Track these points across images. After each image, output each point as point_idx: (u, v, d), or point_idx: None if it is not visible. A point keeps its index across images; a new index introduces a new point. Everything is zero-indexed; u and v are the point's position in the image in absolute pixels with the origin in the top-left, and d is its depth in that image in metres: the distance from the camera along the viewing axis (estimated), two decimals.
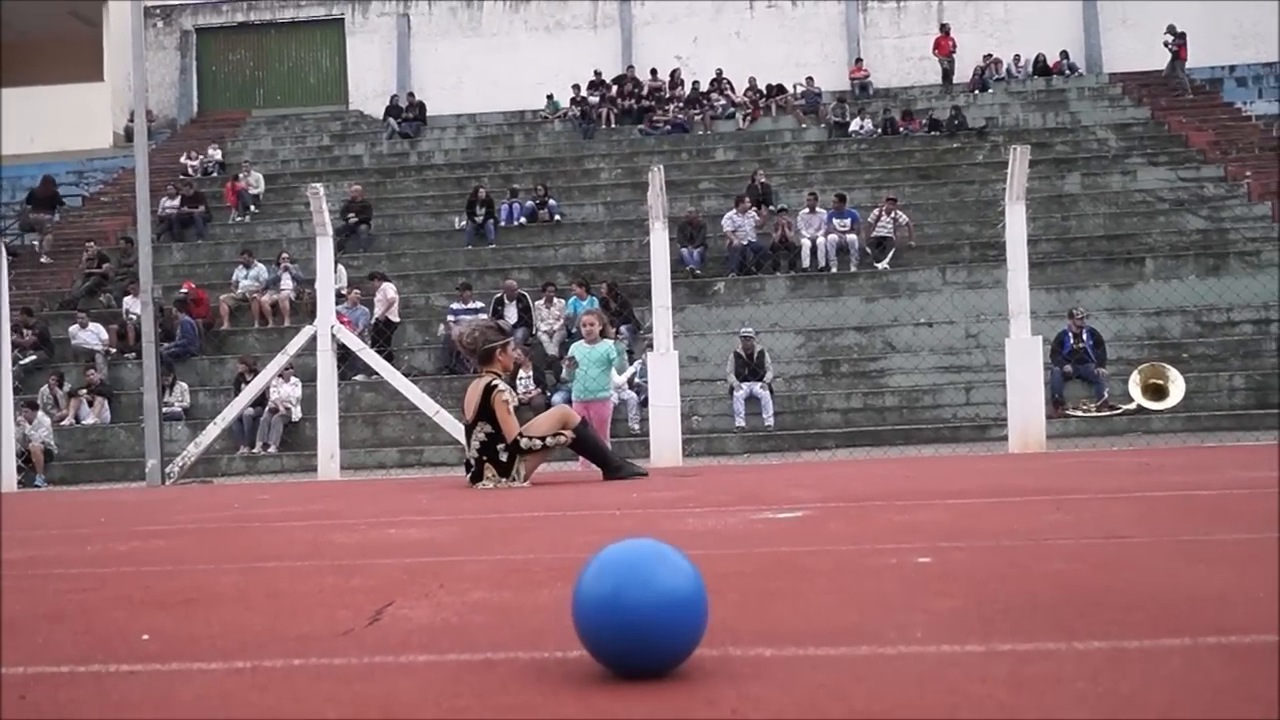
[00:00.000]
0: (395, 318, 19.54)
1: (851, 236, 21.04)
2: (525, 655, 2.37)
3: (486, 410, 7.88)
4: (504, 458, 7.86)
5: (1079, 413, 16.63)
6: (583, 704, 1.98)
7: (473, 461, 8.01)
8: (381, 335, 18.07)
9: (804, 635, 2.50)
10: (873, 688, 2.03)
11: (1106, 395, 16.78)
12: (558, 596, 3.16)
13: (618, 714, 1.91)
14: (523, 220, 23.77)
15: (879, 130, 27.13)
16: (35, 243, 25.73)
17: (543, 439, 7.95)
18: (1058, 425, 15.30)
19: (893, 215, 21.05)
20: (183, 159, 28.23)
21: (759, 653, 2.35)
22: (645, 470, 8.90)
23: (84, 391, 18.77)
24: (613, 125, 29.32)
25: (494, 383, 7.94)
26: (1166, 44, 28.60)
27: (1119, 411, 16.53)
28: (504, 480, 7.85)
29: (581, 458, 9.35)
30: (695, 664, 2.26)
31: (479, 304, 19.46)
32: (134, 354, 18.49)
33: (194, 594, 3.52)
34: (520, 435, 7.89)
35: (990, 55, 30.54)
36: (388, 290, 19.53)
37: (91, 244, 23.48)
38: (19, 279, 21.71)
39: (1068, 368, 16.96)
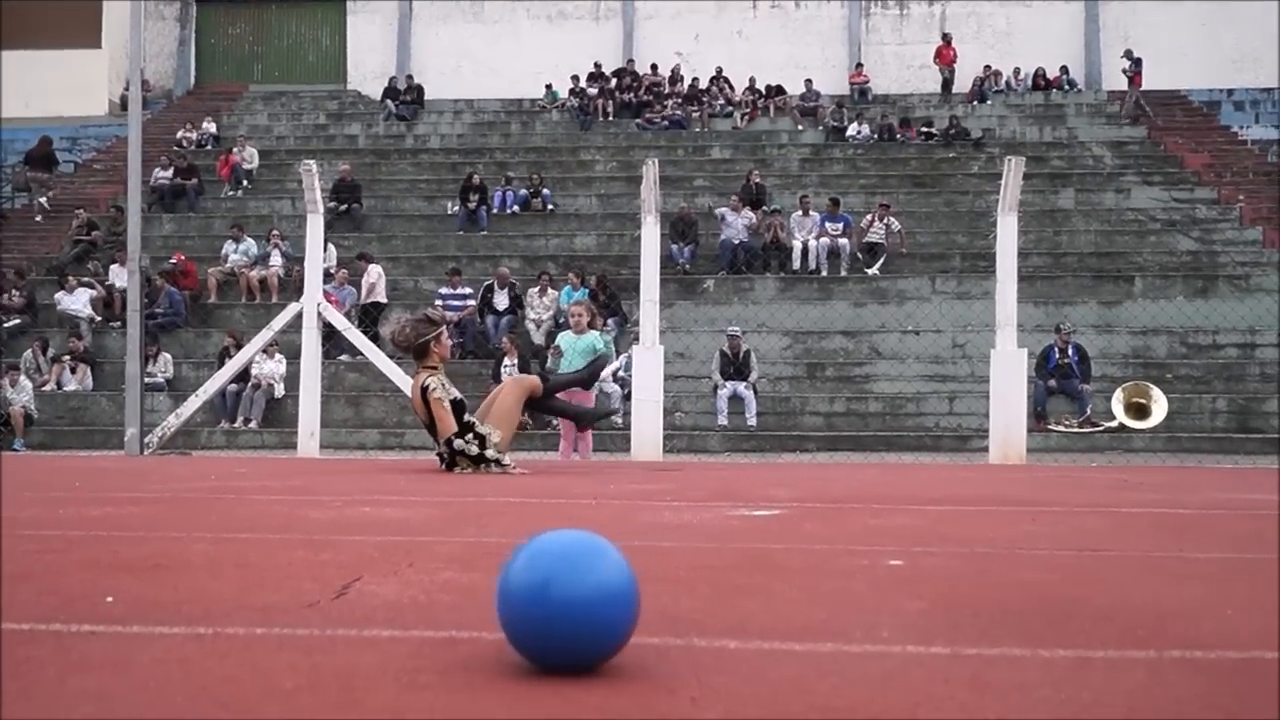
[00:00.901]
0: (383, 299, 19.48)
1: (843, 241, 21.05)
2: (490, 636, 2.35)
3: (430, 411, 7.82)
4: (473, 450, 7.80)
5: (1061, 428, 16.67)
6: (543, 685, 1.97)
7: (444, 455, 7.97)
8: (368, 316, 18.02)
9: (770, 630, 2.49)
10: (836, 684, 2.02)
11: (1089, 411, 16.81)
12: None
13: (577, 697, 1.90)
14: (516, 208, 23.74)
15: (876, 136, 27.14)
16: (33, 201, 25.70)
17: (480, 449, 7.80)
18: (1039, 439, 15.33)
19: (885, 221, 21.06)
20: (179, 132, 28.12)
21: (724, 645, 2.34)
22: (617, 408, 8.90)
23: (67, 358, 18.69)
24: (610, 118, 29.28)
25: (426, 382, 7.84)
26: (1124, 69, 28.73)
27: (1101, 428, 16.56)
28: (477, 466, 7.80)
29: (561, 423, 9.44)
30: (658, 653, 2.25)
31: (468, 289, 19.43)
32: (119, 322, 18.42)
33: (162, 560, 3.51)
34: (455, 436, 7.75)
35: (990, 67, 30.58)
36: (373, 272, 19.47)
37: (82, 211, 23.38)
38: (6, 241, 21.66)
39: (1052, 382, 16.98)
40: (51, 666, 2.10)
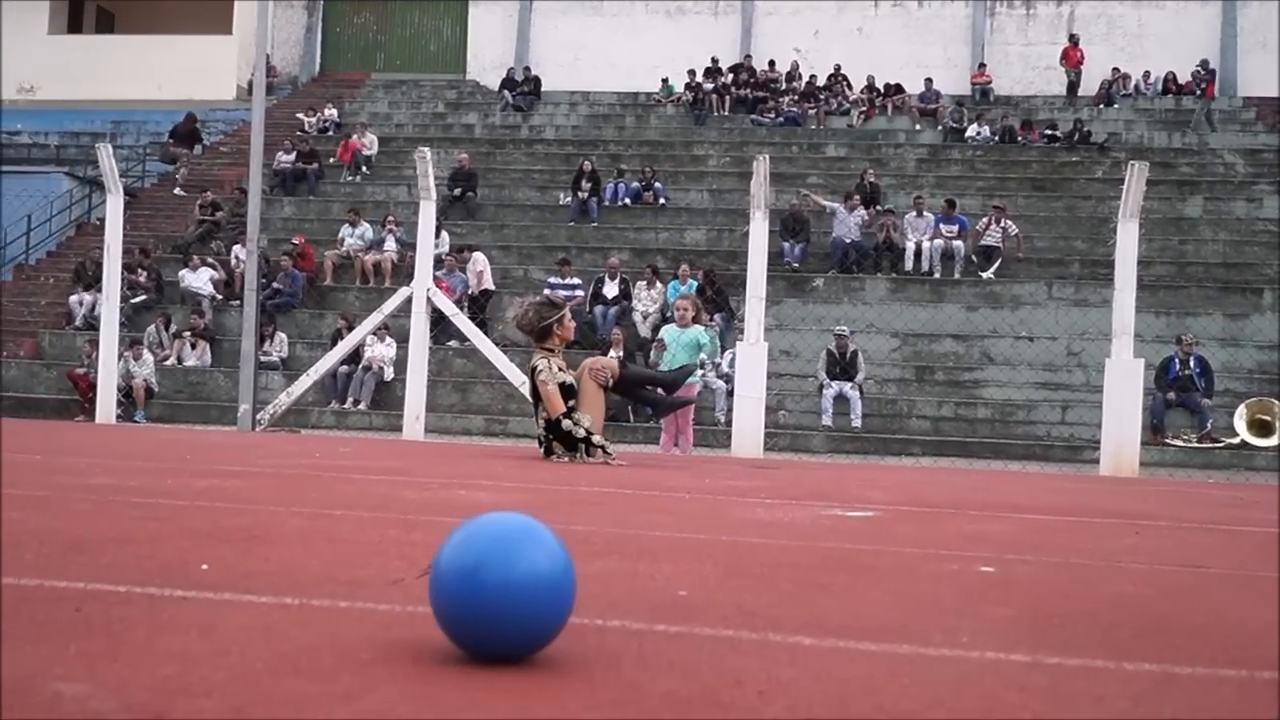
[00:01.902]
0: (491, 286, 19.67)
1: (958, 243, 20.78)
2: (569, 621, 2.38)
3: (538, 392, 7.92)
4: (580, 433, 7.88)
5: (1179, 442, 16.27)
6: (609, 671, 1.99)
7: (542, 439, 8.08)
8: (476, 304, 18.22)
9: (847, 629, 2.48)
10: (906, 685, 2.01)
11: (1209, 427, 16.39)
12: (610, 569, 3.18)
13: (643, 685, 1.92)
14: (627, 201, 23.82)
15: (996, 138, 26.72)
16: (175, 174, 26.51)
17: (587, 431, 7.87)
18: (1155, 453, 15.01)
19: (1002, 225, 20.74)
20: (301, 115, 28.67)
21: (798, 641, 2.34)
22: (692, 399, 8.92)
23: (188, 334, 19.21)
24: (725, 113, 29.22)
25: (536, 364, 7.93)
26: (1195, 76, 28.04)
27: (1221, 445, 16.14)
28: (574, 455, 7.87)
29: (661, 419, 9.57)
30: (730, 645, 2.26)
31: (577, 280, 19.56)
32: (239, 301, 18.86)
33: (259, 532, 3.60)
34: (566, 416, 7.86)
35: (1119, 70, 29.91)
36: (478, 261, 19.63)
37: (208, 192, 23.99)
38: (135, 219, 22.27)
39: (1171, 395, 16.59)
40: (141, 627, 2.17)
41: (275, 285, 19.74)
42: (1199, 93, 29.16)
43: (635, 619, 2.45)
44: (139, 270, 20.75)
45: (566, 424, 7.82)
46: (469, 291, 19.10)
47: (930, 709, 1.87)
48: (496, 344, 13.43)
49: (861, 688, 1.98)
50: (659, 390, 8.91)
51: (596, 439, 7.86)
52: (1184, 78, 29.51)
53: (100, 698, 1.69)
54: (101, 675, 1.81)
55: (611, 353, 16.37)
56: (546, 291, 17.33)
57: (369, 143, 26.33)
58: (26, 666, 1.84)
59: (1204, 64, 28.21)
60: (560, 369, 7.98)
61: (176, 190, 26.00)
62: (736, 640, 2.30)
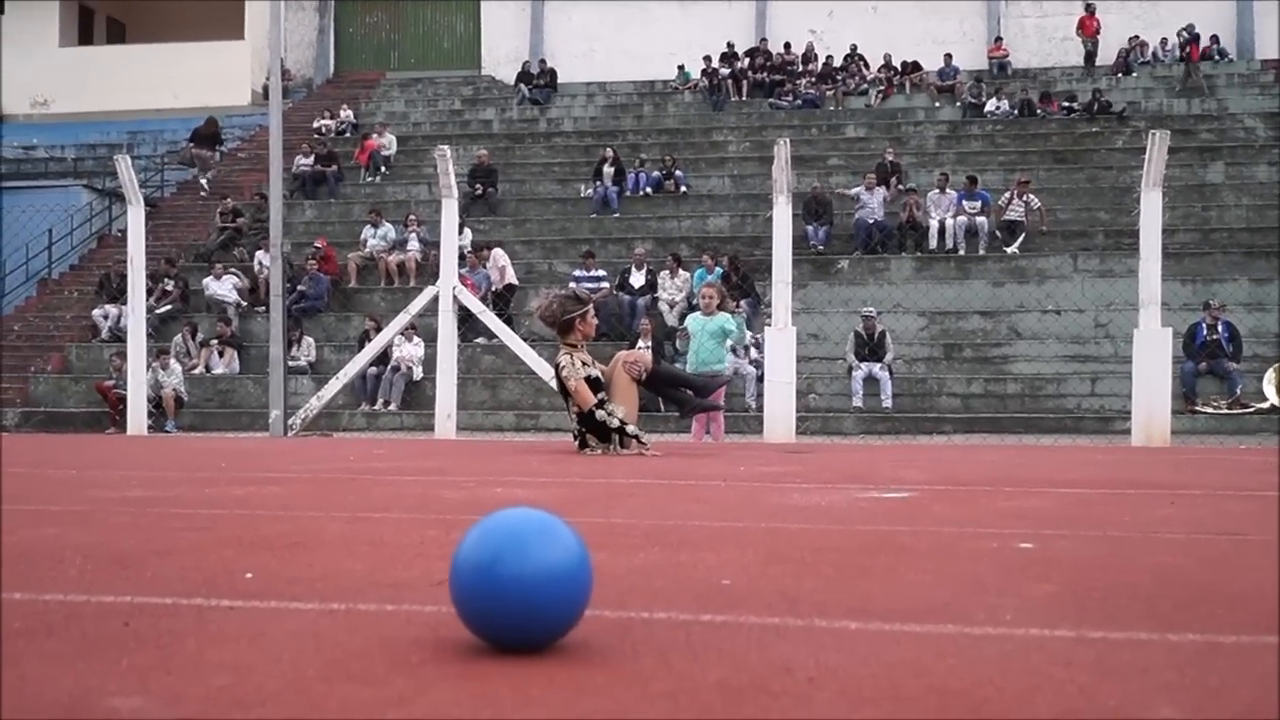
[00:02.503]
0: (515, 281, 19.69)
1: (981, 219, 20.69)
2: (612, 614, 2.40)
3: (565, 388, 7.97)
4: (614, 422, 7.92)
5: (1209, 409, 16.19)
6: (659, 663, 2.00)
7: (575, 433, 8.13)
8: (501, 300, 18.26)
9: (892, 611, 2.49)
10: (954, 665, 2.02)
11: (1239, 392, 16.30)
12: (652, 560, 3.19)
13: (693, 675, 1.93)
14: (648, 190, 23.82)
15: (1016, 111, 26.59)
16: (197, 179, 26.71)
17: (621, 421, 7.93)
18: (1186, 421, 14.93)
19: (1025, 199, 20.64)
20: (318, 121, 28.75)
21: (844, 625, 2.35)
22: (720, 404, 8.95)
23: (215, 342, 19.32)
24: (743, 98, 29.17)
25: (558, 362, 7.98)
26: (1180, 40, 27.88)
27: (1251, 410, 16.05)
28: (609, 447, 7.91)
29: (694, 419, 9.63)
30: (776, 632, 2.27)
31: (602, 271, 19.57)
32: (264, 307, 18.94)
33: (300, 538, 3.63)
34: (600, 406, 7.90)
35: (1136, 37, 29.70)
36: (498, 257, 19.63)
37: (228, 199, 24.10)
38: (157, 229, 22.39)
39: (1203, 365, 16.49)
40: (191, 639, 2.19)
41: (300, 289, 19.82)
42: (1215, 59, 28.97)
43: (681, 610, 2.46)
44: (166, 280, 20.88)
45: (600, 415, 7.86)
46: (492, 288, 19.12)
47: (979, 688, 1.88)
48: (524, 339, 13.46)
49: (910, 670, 1.99)
50: (688, 391, 8.92)
51: (630, 429, 7.90)
52: (1202, 43, 29.26)
53: (156, 711, 1.71)
54: (155, 689, 1.84)
55: (640, 343, 16.39)
56: (572, 285, 17.37)
57: (388, 143, 26.39)
58: (80, 683, 1.87)
59: (1189, 29, 28.13)
60: (584, 363, 8.01)
61: (202, 193, 26.20)
62: (783, 627, 2.32)
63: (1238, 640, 2.26)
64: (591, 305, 8.29)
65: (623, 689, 1.84)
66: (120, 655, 2.06)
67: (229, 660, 2.02)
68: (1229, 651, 2.17)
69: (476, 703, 1.76)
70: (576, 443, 8.14)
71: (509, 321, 14.80)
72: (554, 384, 8.16)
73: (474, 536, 2.10)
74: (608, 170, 23.50)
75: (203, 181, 26.70)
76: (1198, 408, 16.17)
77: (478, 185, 23.36)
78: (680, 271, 19.04)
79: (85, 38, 35.15)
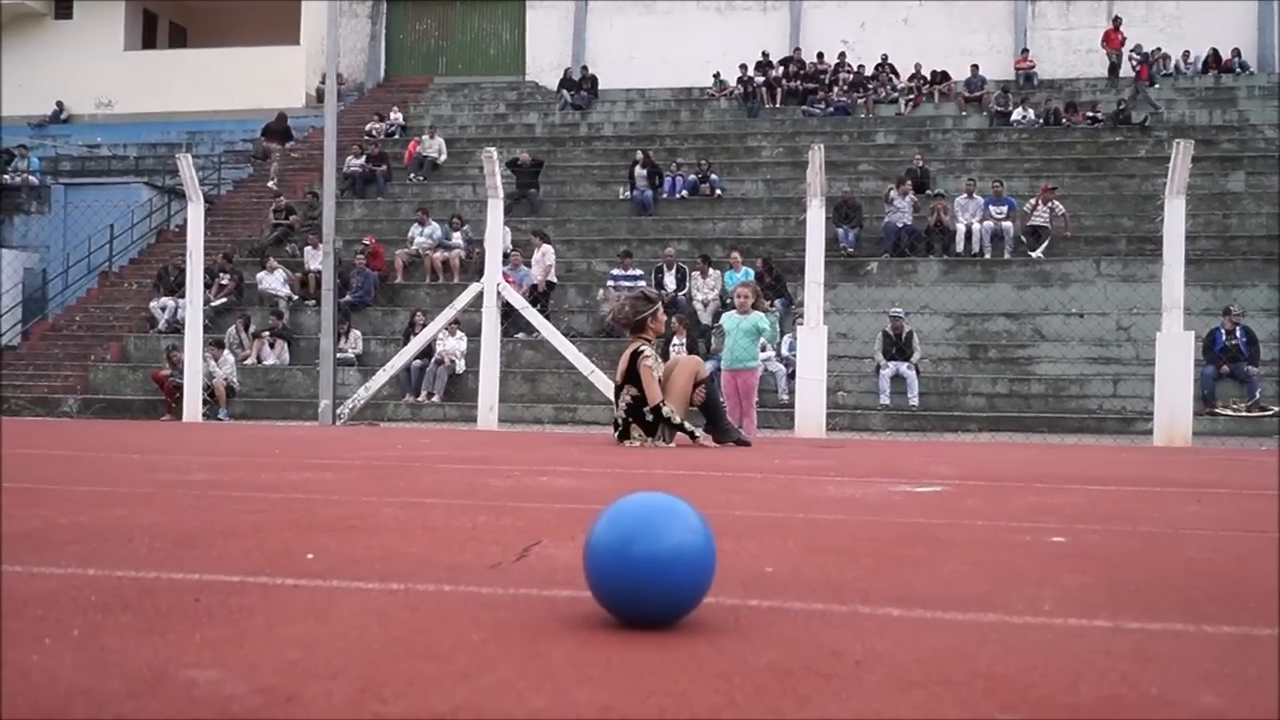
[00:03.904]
0: (554, 279, 19.75)
1: (1007, 224, 20.59)
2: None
3: (633, 374, 8.00)
4: (649, 418, 7.97)
5: (1228, 412, 16.04)
6: (712, 646, 2.00)
7: (620, 421, 8.15)
8: (541, 296, 18.28)
9: (933, 600, 2.48)
10: (997, 652, 2.01)
11: (1258, 395, 16.15)
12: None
13: (745, 658, 1.92)
14: (684, 193, 23.80)
15: (1041, 120, 26.43)
16: (269, 169, 27.10)
17: (682, 422, 8.06)
18: (1205, 423, 14.81)
19: (1050, 205, 20.51)
20: (369, 123, 28.88)
21: (887, 612, 2.34)
22: (749, 440, 8.92)
23: (267, 334, 19.42)
24: (777, 105, 29.11)
25: (641, 348, 8.06)
26: (1132, 64, 27.75)
27: (1270, 413, 15.90)
28: (650, 440, 7.95)
29: (727, 398, 9.69)
30: (822, 618, 2.26)
31: (638, 271, 19.57)
32: (314, 301, 19.05)
33: (356, 522, 3.64)
34: (663, 403, 7.98)
35: (1159, 50, 29.45)
36: (548, 254, 19.68)
37: (281, 197, 24.24)
38: (214, 225, 22.54)
39: (1225, 368, 16.34)
40: (260, 615, 2.20)
41: (351, 283, 19.91)
42: (1237, 71, 28.73)
43: (729, 595, 2.45)
44: (222, 274, 21.02)
45: (666, 410, 7.97)
46: (534, 284, 19.15)
47: (1023, 673, 1.86)
48: (564, 335, 13.48)
49: (955, 655, 1.97)
50: (716, 427, 8.80)
51: (689, 426, 8.11)
52: (1224, 56, 29.03)
53: (232, 682, 1.72)
54: (230, 661, 1.84)
55: (674, 340, 16.37)
56: (611, 285, 17.41)
57: (437, 146, 26.46)
58: (157, 655, 1.87)
59: (1138, 49, 28.25)
60: (658, 359, 8.17)
61: (270, 183, 26.49)
62: (827, 613, 2.31)
63: (1272, 633, 2.24)
64: (660, 304, 8.44)
65: (679, 669, 1.83)
66: (193, 629, 2.07)
67: (298, 635, 2.02)
68: (1265, 643, 2.15)
69: (538, 679, 1.76)
70: (617, 434, 8.16)
71: (547, 318, 14.80)
72: (620, 368, 8.19)
73: (629, 518, 2.16)
74: (640, 173, 23.49)
75: (271, 172, 26.97)
76: (1217, 410, 16.03)
77: (522, 182, 23.36)
78: (711, 271, 19.02)
79: (149, 41, 35.43)
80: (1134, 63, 28.46)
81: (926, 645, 2.05)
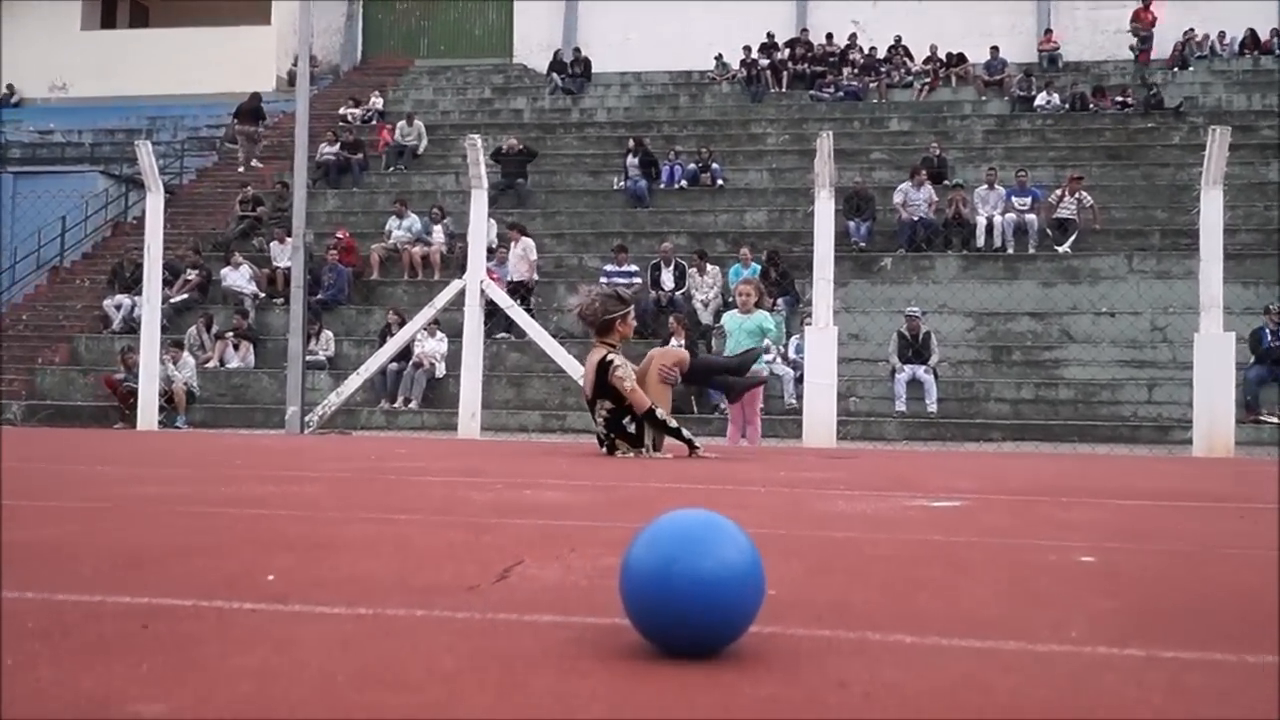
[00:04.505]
0: (537, 275, 19.69)
1: (1031, 216, 20.59)
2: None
3: (605, 387, 7.88)
4: (632, 429, 7.89)
5: (1274, 419, 16.02)
6: (706, 677, 1.97)
7: (602, 436, 8.08)
8: (523, 294, 18.26)
9: (949, 626, 2.45)
10: (1019, 683, 1.98)
11: None
12: None
13: (742, 689, 1.89)
14: (683, 183, 23.79)
15: (1067, 106, 26.44)
16: (242, 154, 27.18)
17: (679, 428, 7.95)
18: (1249, 430, 14.80)
19: (1077, 196, 20.52)
20: (342, 109, 28.86)
21: (899, 639, 2.31)
22: (764, 378, 8.96)
23: (231, 334, 19.38)
24: (782, 89, 29.12)
25: (609, 358, 7.88)
26: (1131, 46, 27.82)
27: None
28: (640, 451, 7.89)
29: (729, 407, 9.67)
30: (828, 645, 2.24)
31: (633, 267, 19.55)
32: (282, 299, 19.01)
33: (323, 540, 3.62)
34: (654, 408, 7.85)
35: (1192, 30, 29.45)
36: (529, 249, 19.59)
37: (248, 187, 24.19)
38: (175, 217, 22.49)
39: (1265, 369, 16.32)
40: (214, 642, 2.17)
41: (322, 280, 19.87)
42: (1277, 53, 28.73)
43: None
44: (189, 270, 20.96)
45: (660, 414, 7.85)
46: (519, 282, 19.09)
47: (1048, 709, 1.83)
48: (553, 336, 13.44)
49: (973, 687, 1.94)
50: (729, 373, 8.94)
51: (686, 433, 7.95)
52: (1264, 36, 29.01)
53: (181, 717, 1.69)
54: (178, 695, 1.81)
55: (673, 341, 16.35)
56: (612, 282, 17.35)
57: (415, 133, 26.41)
58: (100, 686, 1.84)
59: (1135, 29, 28.40)
60: (628, 366, 7.99)
61: (244, 166, 26.48)
62: (834, 640, 2.28)
63: None
64: (633, 307, 8.29)
65: (669, 703, 1.80)
66: (140, 658, 2.03)
67: (254, 665, 1.99)
68: None
69: (517, 712, 1.73)
70: (604, 448, 8.10)
71: (534, 317, 14.78)
72: (588, 381, 8.07)
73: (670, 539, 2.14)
74: (632, 161, 23.47)
75: (244, 157, 26.98)
76: (1262, 417, 16.00)
77: (508, 172, 23.33)
78: (709, 268, 18.99)
79: (108, 21, 35.44)
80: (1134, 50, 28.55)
81: (942, 676, 2.02)
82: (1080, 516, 4.77)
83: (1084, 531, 4.26)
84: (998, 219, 20.59)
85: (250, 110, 27.75)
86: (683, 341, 16.64)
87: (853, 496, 5.51)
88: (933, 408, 16.51)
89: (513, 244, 19.58)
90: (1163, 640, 2.36)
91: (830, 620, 2.47)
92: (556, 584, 2.85)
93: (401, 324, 15.82)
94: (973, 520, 4.64)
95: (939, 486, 6.06)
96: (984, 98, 28.07)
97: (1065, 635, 2.39)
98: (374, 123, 28.25)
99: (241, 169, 26.57)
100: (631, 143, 23.92)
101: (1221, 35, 29.49)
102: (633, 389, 7.79)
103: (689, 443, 7.90)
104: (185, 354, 17.88)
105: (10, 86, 33.47)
